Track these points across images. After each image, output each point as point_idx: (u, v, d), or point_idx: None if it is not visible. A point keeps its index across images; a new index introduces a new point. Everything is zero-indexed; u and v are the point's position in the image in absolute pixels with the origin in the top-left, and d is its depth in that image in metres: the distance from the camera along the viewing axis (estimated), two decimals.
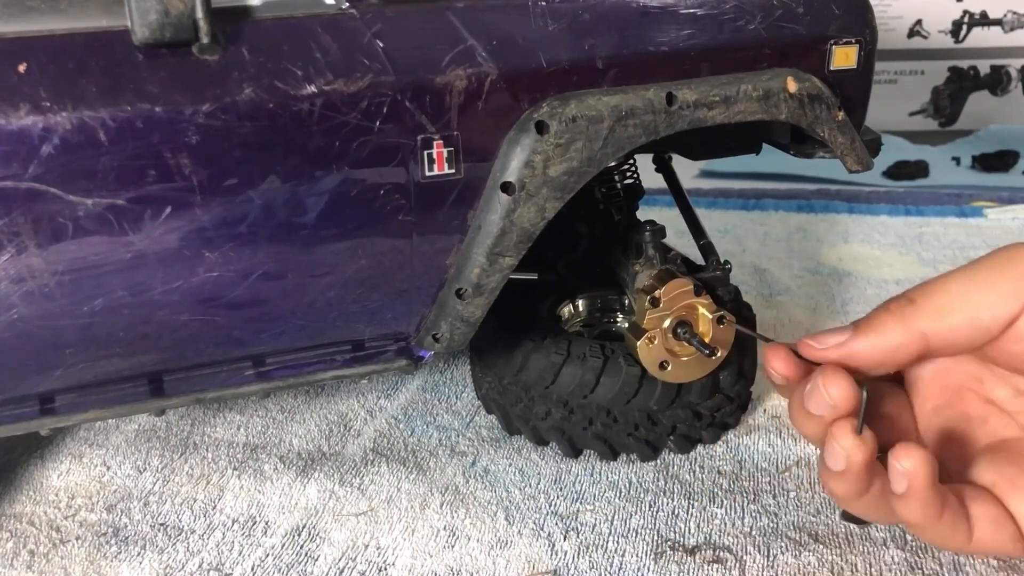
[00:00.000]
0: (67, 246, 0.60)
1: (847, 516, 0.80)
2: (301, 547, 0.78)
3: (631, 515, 0.81)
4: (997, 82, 2.16)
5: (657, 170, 1.03)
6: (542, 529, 0.79)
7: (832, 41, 0.78)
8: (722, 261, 0.91)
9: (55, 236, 0.59)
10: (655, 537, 0.78)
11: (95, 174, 0.59)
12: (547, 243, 0.85)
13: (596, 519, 0.81)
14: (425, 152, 0.67)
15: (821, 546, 0.76)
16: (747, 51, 0.75)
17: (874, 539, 0.76)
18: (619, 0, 0.72)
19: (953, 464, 0.60)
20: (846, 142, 0.79)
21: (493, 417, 0.96)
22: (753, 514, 0.80)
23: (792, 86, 0.75)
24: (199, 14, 0.59)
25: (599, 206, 0.96)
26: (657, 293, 0.81)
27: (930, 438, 0.63)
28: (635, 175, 0.99)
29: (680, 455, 0.89)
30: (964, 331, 0.55)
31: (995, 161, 1.88)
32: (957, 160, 1.93)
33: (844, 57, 0.78)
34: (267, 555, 0.78)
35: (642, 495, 0.83)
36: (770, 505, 0.81)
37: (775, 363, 0.60)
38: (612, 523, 0.80)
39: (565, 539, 0.78)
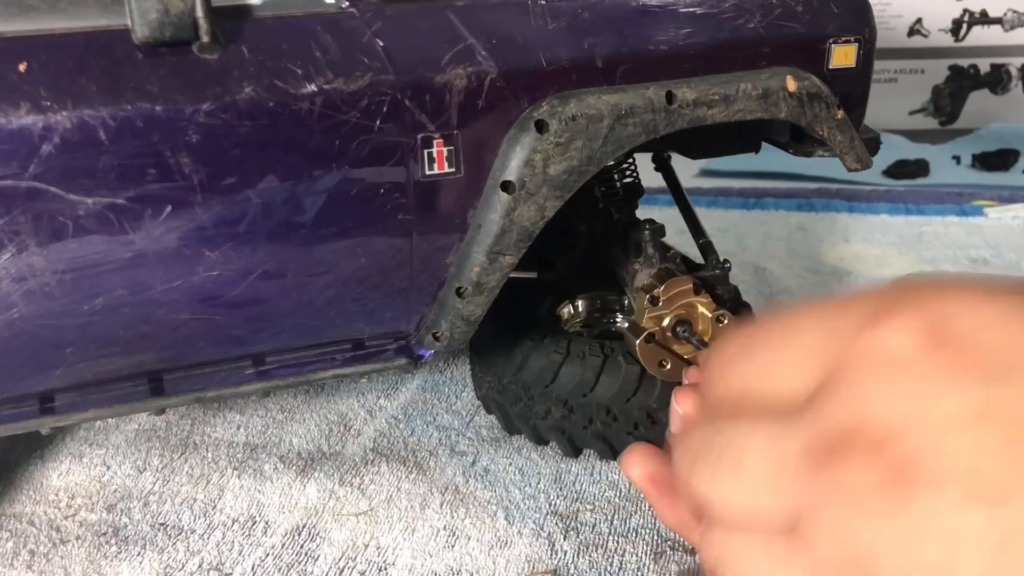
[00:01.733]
0: (67, 245, 0.60)
1: None
2: (301, 547, 0.78)
3: (631, 515, 0.81)
4: (997, 80, 2.16)
5: (657, 169, 1.03)
6: (542, 529, 0.79)
7: (831, 40, 0.78)
8: (722, 260, 0.91)
9: (55, 235, 0.59)
10: (655, 537, 0.78)
11: (95, 173, 0.59)
12: (547, 242, 0.85)
13: (596, 519, 0.81)
14: (425, 151, 0.67)
15: None
16: (746, 50, 0.75)
17: None
18: None
19: None
20: (845, 140, 0.79)
21: (493, 417, 0.96)
22: None
23: (791, 85, 0.75)
24: (199, 13, 0.59)
25: (599, 205, 0.96)
26: (656, 292, 0.81)
27: None
28: (635, 174, 0.99)
29: None
30: None
31: (995, 160, 1.88)
32: (957, 159, 1.93)
33: (843, 56, 0.78)
34: (267, 555, 0.78)
35: (642, 495, 0.83)
36: None
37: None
38: (612, 523, 0.80)
39: (565, 539, 0.78)
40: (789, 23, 0.76)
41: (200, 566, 0.77)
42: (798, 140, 0.85)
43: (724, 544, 0.29)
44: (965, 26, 2.13)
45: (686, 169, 1.74)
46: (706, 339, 0.81)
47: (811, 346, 0.28)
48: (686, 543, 0.77)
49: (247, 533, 0.80)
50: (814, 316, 0.29)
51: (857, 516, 0.24)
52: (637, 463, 0.48)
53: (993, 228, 1.51)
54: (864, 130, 0.85)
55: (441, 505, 0.83)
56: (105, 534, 0.81)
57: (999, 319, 0.25)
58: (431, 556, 0.76)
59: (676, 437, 0.36)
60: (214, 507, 0.84)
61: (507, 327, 0.89)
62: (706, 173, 1.92)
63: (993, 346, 0.24)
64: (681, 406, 0.49)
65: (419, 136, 0.66)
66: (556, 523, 0.80)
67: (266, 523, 0.81)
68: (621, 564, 0.75)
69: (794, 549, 0.26)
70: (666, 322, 0.81)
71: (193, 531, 0.81)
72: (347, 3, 0.65)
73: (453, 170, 0.68)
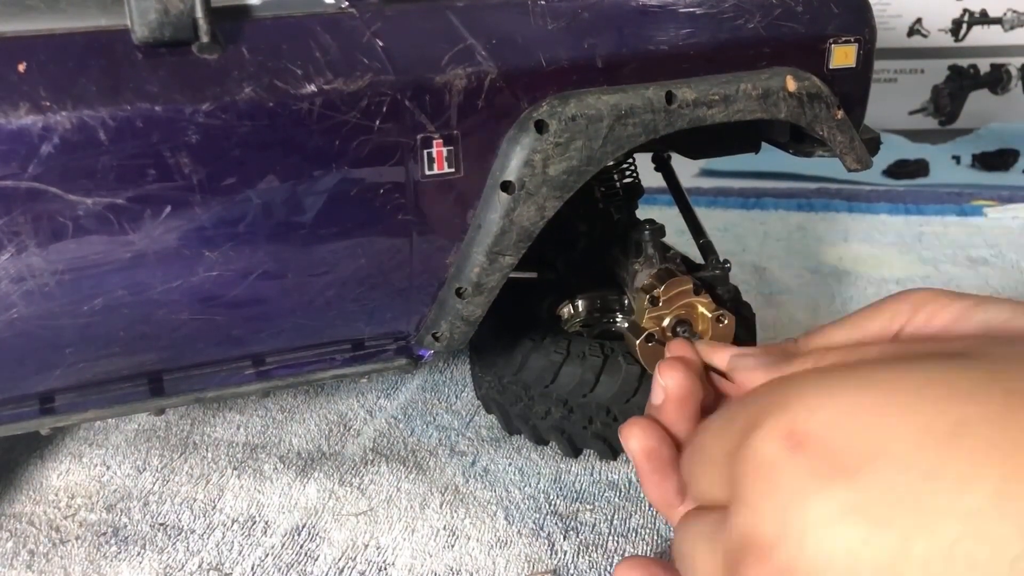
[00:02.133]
0: (67, 245, 0.60)
1: None
2: (301, 547, 0.78)
3: (631, 515, 0.81)
4: (997, 80, 2.16)
5: (656, 169, 1.03)
6: (542, 529, 0.79)
7: (831, 40, 0.78)
8: (722, 260, 0.91)
9: (55, 235, 0.59)
10: (655, 537, 0.78)
11: (95, 173, 0.58)
12: (547, 242, 0.84)
13: (596, 519, 0.81)
14: (425, 151, 0.67)
15: None
16: (746, 50, 0.75)
17: None
18: None
19: None
20: (845, 141, 0.79)
21: (493, 417, 0.96)
22: None
23: (791, 85, 0.75)
24: (198, 13, 0.59)
25: (599, 205, 0.96)
26: (656, 292, 0.81)
27: None
28: (634, 174, 0.99)
29: None
30: None
31: (995, 160, 1.88)
32: (957, 159, 1.93)
33: (843, 56, 0.78)
34: (267, 555, 0.78)
35: (641, 494, 0.83)
36: None
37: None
38: (612, 523, 0.80)
39: (565, 538, 0.78)
40: (789, 23, 0.76)
41: (200, 566, 0.77)
42: (798, 140, 0.85)
43: None
44: (965, 26, 2.13)
45: (686, 169, 1.74)
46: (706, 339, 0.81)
47: (718, 459, 0.32)
48: None
49: (247, 533, 0.80)
50: (721, 428, 0.33)
51: None
52: (637, 436, 0.48)
53: (993, 228, 1.51)
54: (864, 130, 0.85)
55: (441, 505, 0.83)
56: (105, 534, 0.81)
57: (846, 414, 0.28)
58: (431, 556, 0.76)
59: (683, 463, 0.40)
60: (214, 507, 0.84)
61: (507, 327, 0.89)
62: (706, 173, 1.93)
63: (841, 443, 0.27)
64: (664, 378, 0.50)
65: (419, 136, 0.66)
66: (556, 523, 0.80)
67: (266, 523, 0.81)
68: None
69: None
70: (666, 322, 0.81)
71: (193, 531, 0.81)
72: (347, 3, 0.65)
73: (453, 170, 0.68)
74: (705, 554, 0.32)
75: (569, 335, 0.89)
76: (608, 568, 0.74)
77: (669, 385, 0.52)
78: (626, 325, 0.94)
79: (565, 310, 0.99)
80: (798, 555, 0.27)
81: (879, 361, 0.32)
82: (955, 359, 0.30)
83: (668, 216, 1.00)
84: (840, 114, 0.78)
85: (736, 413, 0.32)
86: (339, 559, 0.76)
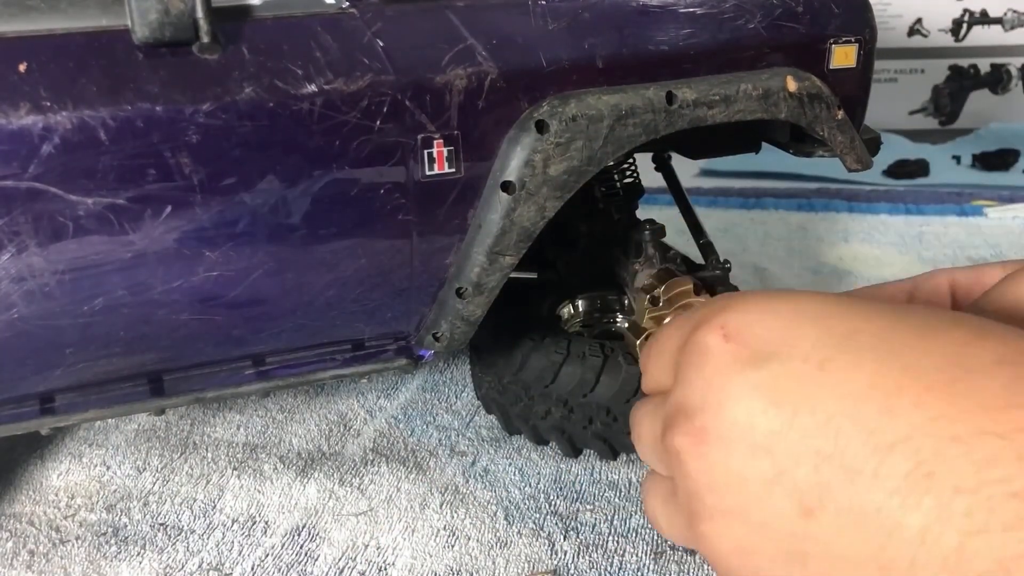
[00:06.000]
0: (67, 245, 0.60)
1: None
2: (301, 547, 0.78)
3: (631, 515, 0.81)
4: (997, 80, 2.16)
5: (657, 169, 1.03)
6: (542, 529, 0.79)
7: (832, 40, 0.78)
8: (722, 260, 0.91)
9: (55, 235, 0.59)
10: (655, 537, 0.78)
11: (95, 173, 0.58)
12: (547, 242, 0.84)
13: (596, 519, 0.81)
14: (425, 151, 0.67)
15: None
16: (747, 50, 0.75)
17: None
18: None
19: None
20: (845, 141, 0.79)
21: (493, 417, 0.96)
22: None
23: (792, 85, 0.75)
24: (199, 13, 0.59)
25: (599, 205, 0.96)
26: (657, 292, 0.81)
27: None
28: (635, 174, 0.99)
29: None
30: None
31: (995, 160, 1.88)
32: (957, 159, 1.93)
33: (844, 56, 0.78)
34: (267, 555, 0.78)
35: (641, 496, 0.83)
36: None
37: None
38: (612, 523, 0.80)
39: (565, 539, 0.78)
40: (789, 23, 0.76)
41: (200, 566, 0.77)
42: (798, 140, 0.85)
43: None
44: (965, 26, 2.13)
45: (686, 169, 1.74)
46: None
47: (670, 352, 0.39)
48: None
49: (247, 533, 0.80)
50: (676, 327, 0.40)
51: (681, 465, 0.35)
52: None
53: (993, 228, 1.51)
54: (864, 130, 0.85)
55: (441, 505, 0.83)
56: (105, 534, 0.81)
57: (769, 316, 0.35)
58: (431, 556, 0.76)
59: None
60: (214, 507, 0.84)
61: (507, 327, 0.89)
62: (706, 173, 1.92)
63: (761, 337, 0.34)
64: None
65: (419, 136, 0.66)
66: (556, 523, 0.80)
67: (266, 523, 0.81)
68: (621, 564, 0.75)
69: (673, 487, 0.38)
70: (666, 322, 0.81)
71: (193, 531, 0.81)
72: (347, 3, 0.65)
73: (453, 170, 0.68)
74: (648, 424, 0.40)
75: (569, 335, 0.89)
76: (608, 568, 0.74)
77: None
78: (626, 325, 0.94)
79: (565, 310, 0.99)
80: (714, 419, 0.34)
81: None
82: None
83: (668, 216, 1.00)
84: (840, 114, 0.78)
85: (688, 316, 0.39)
86: (339, 559, 0.76)
